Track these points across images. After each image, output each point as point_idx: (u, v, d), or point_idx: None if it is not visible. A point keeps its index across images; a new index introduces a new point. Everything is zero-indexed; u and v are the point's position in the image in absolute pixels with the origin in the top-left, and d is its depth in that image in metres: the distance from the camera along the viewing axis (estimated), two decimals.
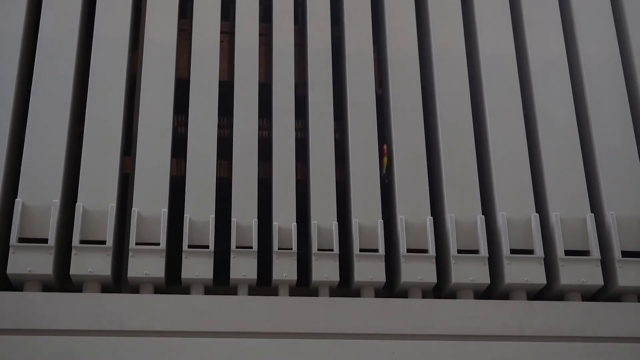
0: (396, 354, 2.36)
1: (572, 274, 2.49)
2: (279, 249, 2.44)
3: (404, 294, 2.50)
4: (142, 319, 2.32)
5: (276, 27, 2.75)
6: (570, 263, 2.50)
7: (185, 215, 2.44)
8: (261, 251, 2.47)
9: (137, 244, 2.39)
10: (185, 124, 2.62)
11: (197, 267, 2.39)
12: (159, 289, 2.43)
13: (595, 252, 2.52)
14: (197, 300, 2.37)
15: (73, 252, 2.35)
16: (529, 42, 2.78)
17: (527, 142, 2.67)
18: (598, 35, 2.82)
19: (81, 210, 2.39)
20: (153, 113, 2.56)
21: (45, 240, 2.35)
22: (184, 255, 2.40)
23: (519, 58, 2.78)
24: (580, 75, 2.77)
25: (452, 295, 2.52)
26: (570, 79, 2.76)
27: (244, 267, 2.41)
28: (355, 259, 2.46)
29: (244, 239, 2.44)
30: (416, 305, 2.44)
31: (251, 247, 2.43)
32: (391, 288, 2.54)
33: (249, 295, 2.42)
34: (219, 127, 2.62)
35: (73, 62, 2.57)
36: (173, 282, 2.46)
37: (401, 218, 2.51)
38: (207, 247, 2.41)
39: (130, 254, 2.38)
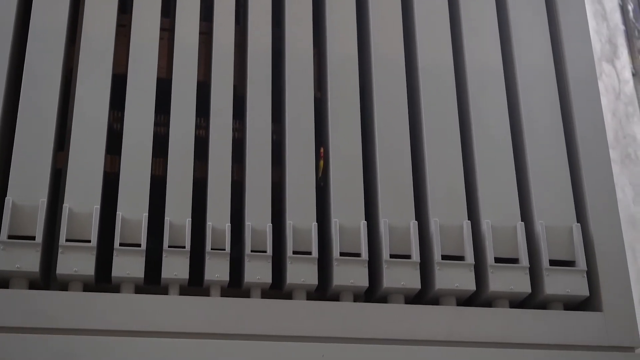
0: (326, 357, 2.37)
1: (501, 281, 2.53)
2: (212, 249, 2.43)
3: (335, 297, 2.52)
4: (71, 316, 2.29)
5: (217, 26, 2.74)
6: (499, 270, 2.54)
7: (118, 212, 2.42)
8: (194, 251, 2.46)
9: (67, 240, 2.36)
10: (121, 120, 2.59)
11: (128, 265, 2.37)
12: (88, 287, 2.40)
13: (524, 260, 2.56)
14: (127, 299, 2.35)
15: (0, 247, 2.31)
16: (466, 52, 2.82)
17: (462, 150, 2.70)
18: (534, 47, 2.87)
19: (10, 205, 2.35)
20: (88, 108, 2.52)
21: None
22: (115, 253, 2.38)
23: (456, 66, 2.82)
24: (515, 85, 2.82)
25: (384, 299, 2.54)
26: (506, 89, 2.81)
27: (176, 267, 2.40)
28: (288, 262, 2.46)
29: (177, 238, 2.42)
30: (347, 308, 2.46)
31: (184, 247, 2.41)
32: (323, 291, 2.55)
33: (180, 295, 2.41)
34: (156, 124, 2.60)
35: (7, 53, 2.52)
36: (103, 280, 2.43)
37: (335, 221, 2.52)
38: (139, 245, 2.39)
39: (60, 250, 2.35)
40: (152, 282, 2.44)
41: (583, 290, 2.57)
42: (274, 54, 2.76)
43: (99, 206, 2.41)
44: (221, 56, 2.69)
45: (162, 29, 2.71)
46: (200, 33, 2.73)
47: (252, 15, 2.77)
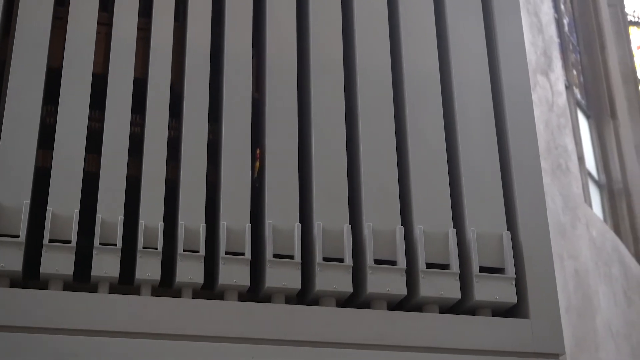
0: (256, 359, 2.36)
1: (431, 286, 2.56)
2: (144, 247, 2.41)
3: (267, 299, 2.51)
4: None
5: (155, 22, 2.71)
6: (430, 275, 2.57)
7: (48, 208, 2.38)
8: (126, 249, 2.44)
9: None
10: (54, 115, 2.55)
11: (57, 262, 2.33)
12: (15, 283, 2.35)
13: (455, 266, 2.59)
14: (55, 296, 2.32)
15: None
16: (404, 60, 2.84)
17: (397, 154, 2.72)
18: (470, 57, 2.91)
19: None
20: (21, 101, 2.48)
21: None
22: (44, 249, 2.34)
23: (394, 74, 2.83)
24: (451, 94, 2.85)
25: (315, 302, 2.54)
26: (442, 97, 2.83)
27: (106, 265, 2.37)
28: (221, 262, 2.45)
29: (108, 236, 2.39)
30: (279, 310, 2.46)
31: (115, 245, 2.39)
32: (255, 292, 2.54)
33: (109, 293, 2.38)
34: (90, 120, 2.56)
35: None
36: (31, 277, 2.39)
37: (269, 223, 2.52)
38: (69, 242, 2.36)
39: None
40: (81, 279, 2.40)
41: (511, 297, 2.61)
42: (212, 53, 2.74)
43: (28, 201, 2.37)
44: (159, 53, 2.66)
45: (99, 24, 2.67)
46: (138, 29, 2.70)
47: (191, 13, 2.75)
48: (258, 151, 2.64)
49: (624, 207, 9.18)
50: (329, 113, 2.72)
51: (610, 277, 7.72)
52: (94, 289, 2.39)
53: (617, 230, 8.81)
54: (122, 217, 2.42)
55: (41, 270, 2.33)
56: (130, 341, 2.31)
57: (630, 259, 8.53)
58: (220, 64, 2.74)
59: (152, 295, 2.41)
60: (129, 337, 2.32)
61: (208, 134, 2.62)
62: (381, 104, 2.77)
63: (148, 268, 2.40)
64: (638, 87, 10.29)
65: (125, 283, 2.44)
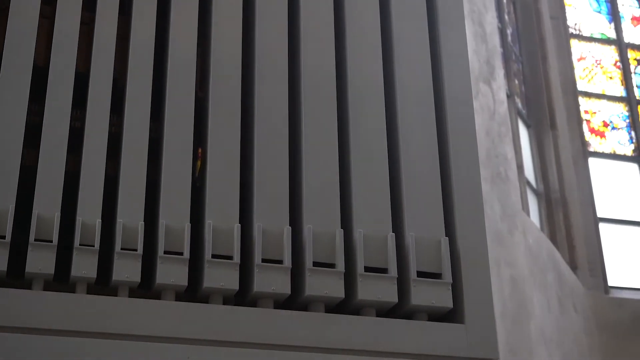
0: (191, 359, 2.35)
1: (369, 289, 2.57)
2: (80, 245, 2.38)
3: (205, 299, 2.50)
4: None
5: (99, 16, 2.68)
6: (368, 279, 2.58)
7: None
8: (62, 246, 2.40)
9: None
10: None
11: None
12: None
13: (393, 270, 2.61)
14: None
15: None
16: (348, 61, 2.85)
17: (339, 158, 2.73)
18: (414, 63, 2.93)
19: None
20: None
21: None
22: None
23: (338, 76, 2.84)
24: (394, 99, 2.86)
25: (253, 303, 2.53)
26: (385, 102, 2.84)
27: (41, 262, 2.33)
28: (159, 261, 2.43)
29: (44, 232, 2.36)
30: (216, 311, 2.45)
31: (51, 241, 2.35)
32: (193, 292, 2.53)
33: (44, 290, 2.34)
34: (29, 113, 2.52)
35: None
36: None
37: (209, 223, 2.51)
38: (4, 237, 2.32)
39: None
40: (15, 275, 2.36)
41: (447, 302, 2.64)
42: (157, 50, 2.72)
43: None
44: (102, 48, 2.63)
45: (42, 16, 2.63)
46: (82, 23, 2.66)
47: (136, 9, 2.73)
48: (200, 150, 2.62)
49: (560, 216, 9.36)
50: (272, 115, 2.72)
51: (545, 284, 7.86)
52: (28, 285, 2.35)
53: (553, 238, 8.97)
54: (59, 213, 2.39)
55: None
56: (63, 339, 2.28)
57: (565, 267, 8.70)
58: (164, 61, 2.72)
59: (88, 293, 2.38)
60: (63, 335, 2.29)
61: (150, 131, 2.60)
62: (324, 108, 2.77)
63: (84, 266, 2.37)
64: (577, 98, 10.50)
65: (61, 281, 2.41)
